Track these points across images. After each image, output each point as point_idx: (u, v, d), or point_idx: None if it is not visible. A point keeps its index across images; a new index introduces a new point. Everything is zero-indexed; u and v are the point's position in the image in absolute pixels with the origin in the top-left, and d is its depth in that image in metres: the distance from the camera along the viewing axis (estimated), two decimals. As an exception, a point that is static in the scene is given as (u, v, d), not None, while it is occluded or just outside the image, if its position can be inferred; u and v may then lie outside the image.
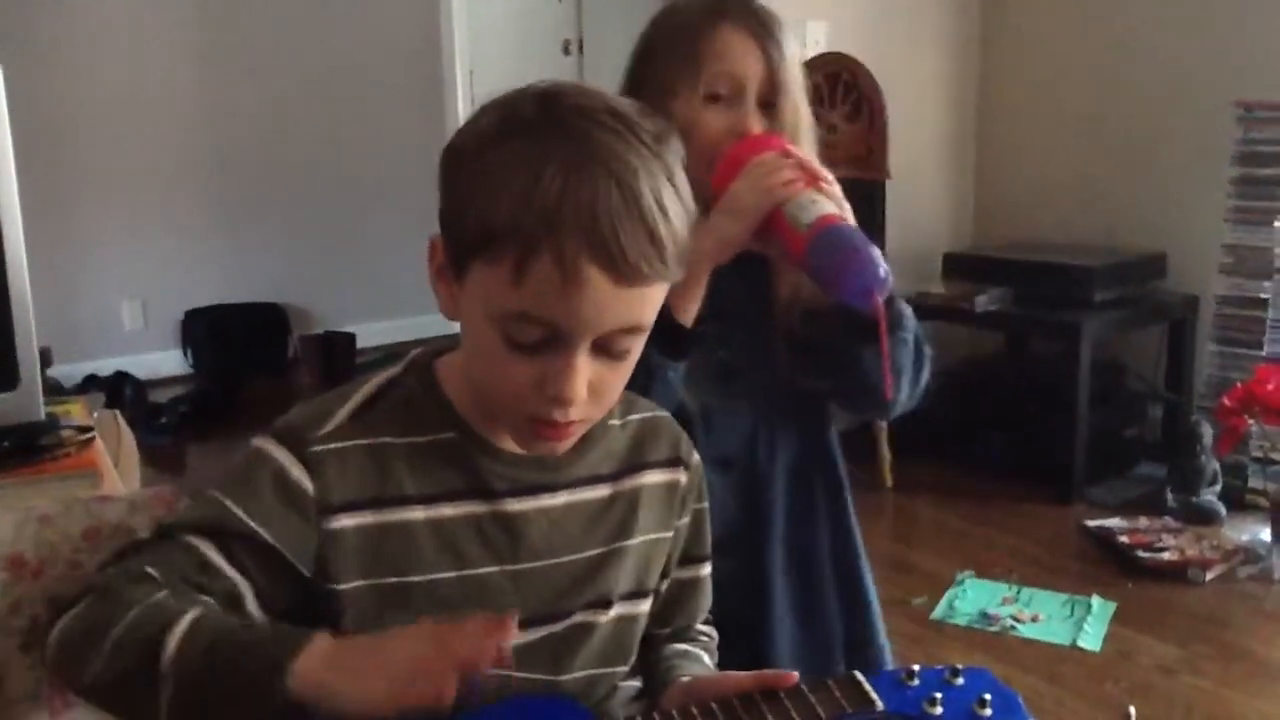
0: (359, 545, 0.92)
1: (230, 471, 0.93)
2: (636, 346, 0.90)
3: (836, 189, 1.21)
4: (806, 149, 1.29)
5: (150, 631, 0.82)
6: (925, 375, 1.34)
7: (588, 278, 0.82)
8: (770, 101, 1.27)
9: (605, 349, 0.88)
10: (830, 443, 1.43)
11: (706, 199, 1.20)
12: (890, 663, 1.45)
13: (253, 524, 0.89)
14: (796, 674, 0.92)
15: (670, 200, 0.86)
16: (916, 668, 0.93)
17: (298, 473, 0.91)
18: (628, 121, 0.86)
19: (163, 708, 0.81)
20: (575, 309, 0.83)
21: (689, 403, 1.27)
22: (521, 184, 0.82)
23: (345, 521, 0.92)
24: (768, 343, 1.31)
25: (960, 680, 0.92)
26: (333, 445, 0.92)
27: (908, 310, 1.30)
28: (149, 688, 0.81)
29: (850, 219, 1.18)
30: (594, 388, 0.88)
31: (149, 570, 0.87)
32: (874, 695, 0.90)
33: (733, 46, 1.27)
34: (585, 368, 0.87)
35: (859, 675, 0.92)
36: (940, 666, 0.93)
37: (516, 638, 0.95)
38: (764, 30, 1.28)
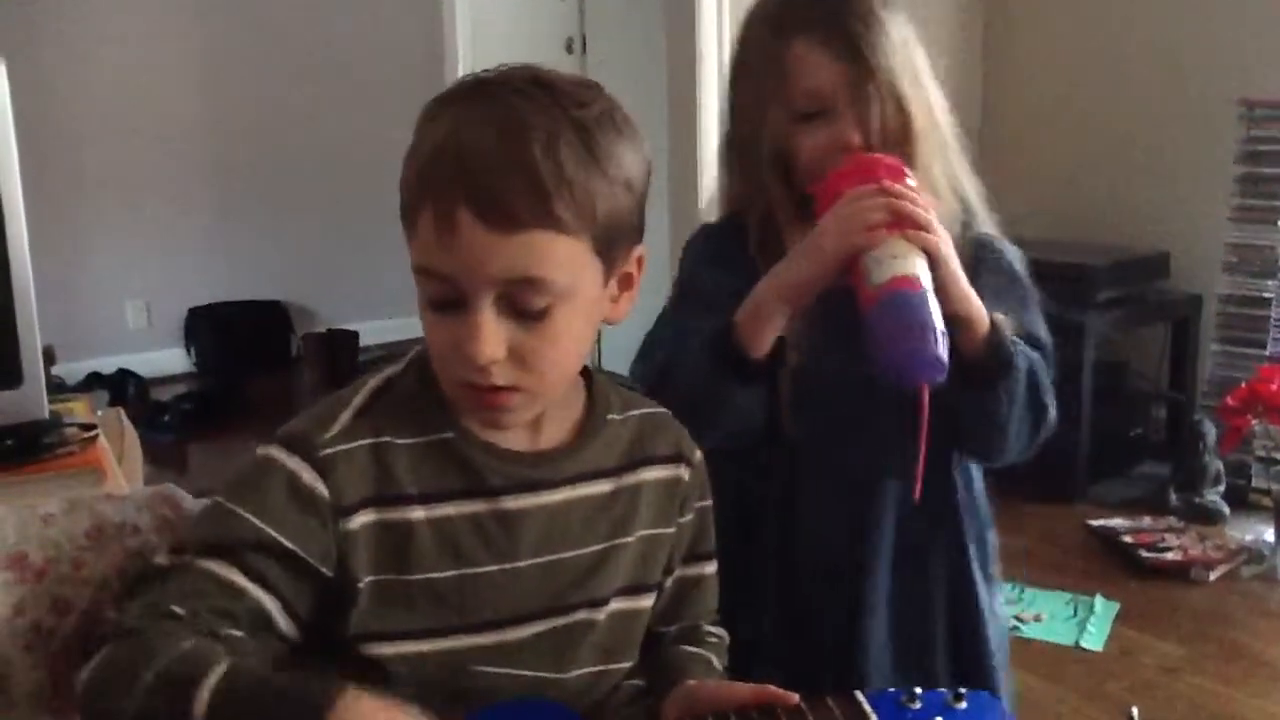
0: (367, 542, 0.92)
1: (239, 480, 0.92)
2: (557, 308, 0.88)
3: (933, 237, 1.09)
4: (929, 150, 1.19)
5: (180, 681, 0.81)
6: (1046, 427, 1.23)
7: (461, 224, 0.83)
8: (863, 106, 1.16)
9: (513, 306, 0.87)
10: (954, 465, 1.32)
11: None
12: (1007, 704, 1.33)
13: (271, 531, 0.89)
14: (797, 696, 0.91)
15: (569, 152, 0.85)
16: (919, 690, 0.91)
17: (310, 477, 0.90)
18: (552, 89, 0.87)
19: None
20: (455, 257, 0.85)
21: (789, 424, 1.20)
22: (417, 141, 0.88)
23: (359, 520, 0.92)
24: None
25: (963, 705, 0.89)
26: (340, 447, 0.92)
27: (1022, 358, 1.18)
28: None
29: (927, 282, 1.07)
30: (516, 353, 0.88)
31: (174, 609, 0.86)
32: (873, 716, 0.89)
33: (807, 62, 1.17)
34: (491, 325, 0.87)
35: (859, 695, 0.91)
36: (943, 690, 0.91)
37: (519, 632, 0.95)
38: (840, 34, 1.17)
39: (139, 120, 4.78)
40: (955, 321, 1.10)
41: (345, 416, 0.95)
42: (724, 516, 1.21)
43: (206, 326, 5.00)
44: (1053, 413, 1.24)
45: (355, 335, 4.98)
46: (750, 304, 1.15)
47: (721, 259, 1.28)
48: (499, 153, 0.83)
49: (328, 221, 5.20)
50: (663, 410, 1.08)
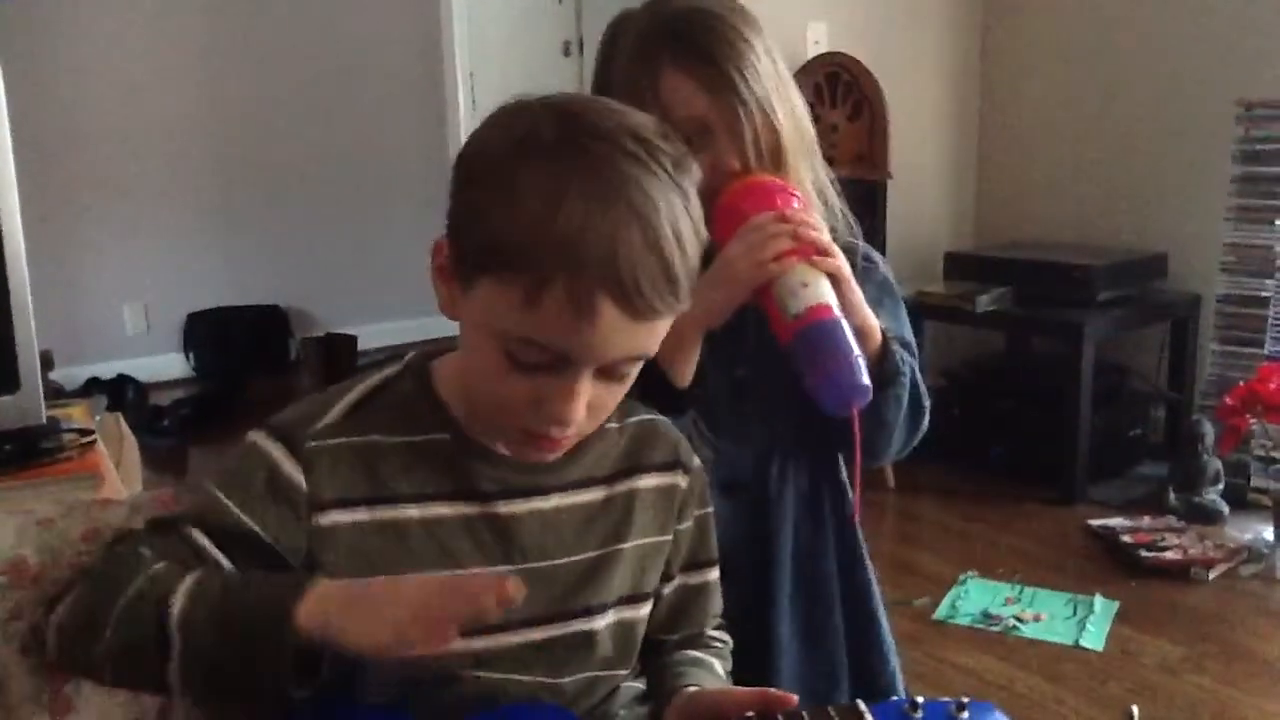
0: (351, 542, 0.92)
1: (226, 465, 0.94)
2: (637, 368, 0.91)
3: (834, 260, 1.13)
4: (799, 161, 1.22)
5: (154, 598, 0.83)
6: (923, 426, 1.28)
7: (601, 312, 0.82)
8: (738, 134, 1.18)
9: (607, 373, 0.88)
10: (841, 470, 1.38)
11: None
12: (903, 694, 1.41)
13: (246, 519, 0.90)
14: (796, 696, 0.92)
15: (687, 234, 0.85)
16: (921, 699, 0.91)
17: (290, 468, 0.92)
18: (649, 147, 0.85)
19: (174, 670, 0.82)
20: (585, 341, 0.83)
21: (699, 446, 1.21)
22: (540, 209, 0.81)
23: (337, 518, 0.92)
24: (785, 363, 1.20)
25: (966, 715, 0.89)
26: (326, 442, 0.93)
27: (905, 364, 1.22)
28: (158, 652, 0.82)
29: (836, 307, 1.11)
30: (591, 406, 0.89)
31: (143, 550, 0.88)
32: None
33: (679, 94, 1.17)
34: (587, 392, 0.87)
35: (860, 704, 0.91)
36: (946, 699, 0.90)
37: (511, 638, 0.95)
38: (710, 66, 1.17)
39: (137, 125, 4.79)
40: (855, 335, 1.13)
41: (336, 412, 0.95)
42: None
43: (205, 331, 5.00)
44: (927, 416, 1.28)
45: (354, 339, 4.98)
46: (670, 337, 1.15)
47: None
48: (642, 246, 0.82)
49: (326, 226, 5.20)
50: (660, 418, 1.08)
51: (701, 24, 1.19)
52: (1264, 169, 3.48)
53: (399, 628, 0.78)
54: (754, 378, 1.28)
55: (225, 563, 0.90)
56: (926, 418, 1.28)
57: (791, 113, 1.22)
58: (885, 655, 1.40)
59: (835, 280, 1.13)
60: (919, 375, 1.26)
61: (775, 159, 1.20)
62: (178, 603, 0.82)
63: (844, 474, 1.38)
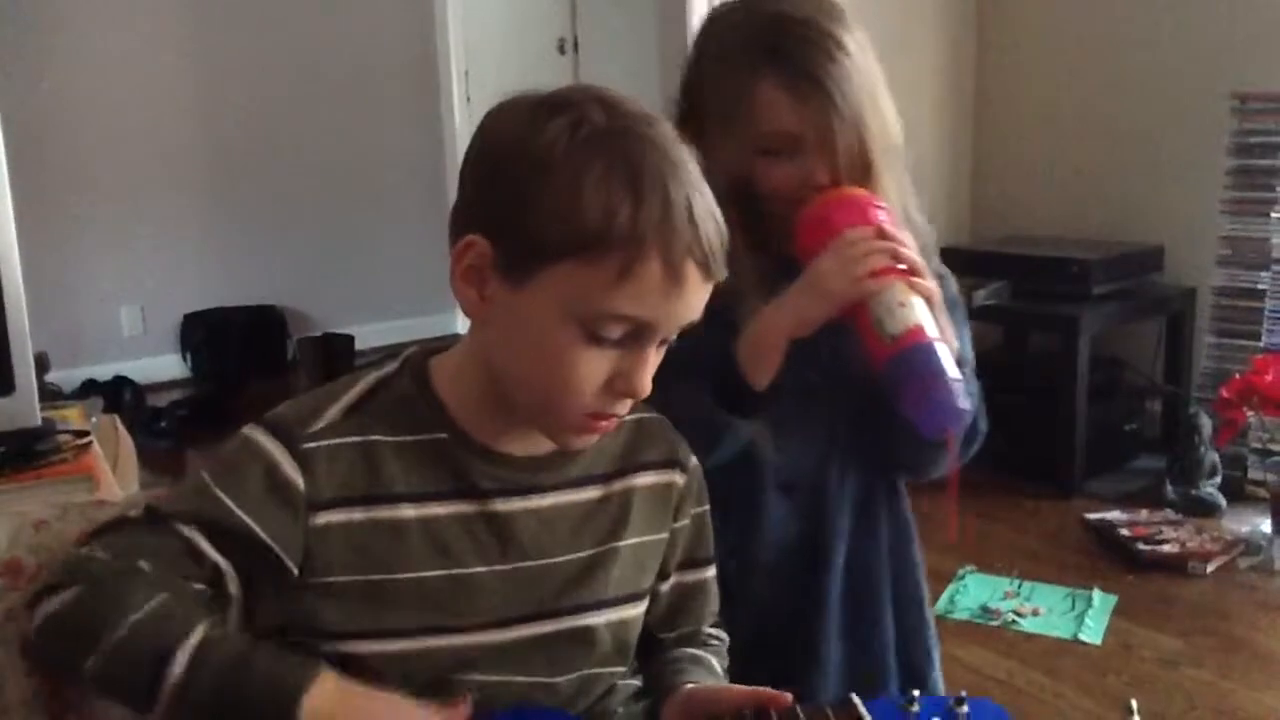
0: (348, 541, 0.92)
1: (221, 458, 0.93)
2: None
3: (930, 282, 1.12)
4: (886, 173, 1.20)
5: (156, 645, 0.83)
6: (973, 450, 1.29)
7: (689, 278, 0.87)
8: (831, 149, 1.16)
9: (664, 342, 0.92)
10: (899, 488, 1.38)
11: (780, 254, 1.16)
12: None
13: (245, 518, 0.90)
14: (790, 695, 0.92)
15: (714, 201, 0.91)
16: (917, 693, 0.91)
17: (289, 467, 0.91)
18: (669, 129, 0.91)
19: (160, 715, 0.83)
20: (673, 307, 0.88)
21: (765, 448, 1.22)
22: (625, 190, 0.85)
23: (334, 517, 0.92)
24: (854, 368, 1.18)
25: (964, 710, 0.89)
26: (324, 442, 0.93)
27: (972, 387, 1.21)
28: (149, 699, 0.83)
29: (933, 330, 1.09)
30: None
31: (141, 565, 0.87)
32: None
33: (774, 106, 1.15)
34: (654, 361, 0.91)
35: (855, 699, 0.91)
36: (944, 695, 0.91)
37: (507, 634, 0.96)
38: (806, 77, 1.15)
39: (133, 126, 4.78)
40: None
41: (334, 411, 0.95)
42: None
43: (202, 332, 4.99)
44: (982, 438, 1.30)
45: (351, 339, 4.97)
46: (752, 339, 1.15)
47: None
48: (706, 214, 0.89)
49: (323, 225, 5.20)
50: (656, 416, 1.08)
51: (800, 35, 1.16)
52: (1259, 162, 3.48)
53: None
54: (824, 382, 1.26)
55: (222, 563, 0.89)
56: (979, 442, 1.29)
57: (883, 123, 1.20)
58: (932, 662, 1.40)
59: (929, 303, 1.12)
60: (978, 401, 1.25)
61: (864, 172, 1.18)
62: (180, 660, 0.83)
63: (900, 479, 1.38)
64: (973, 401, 1.21)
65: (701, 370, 1.14)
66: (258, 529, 0.90)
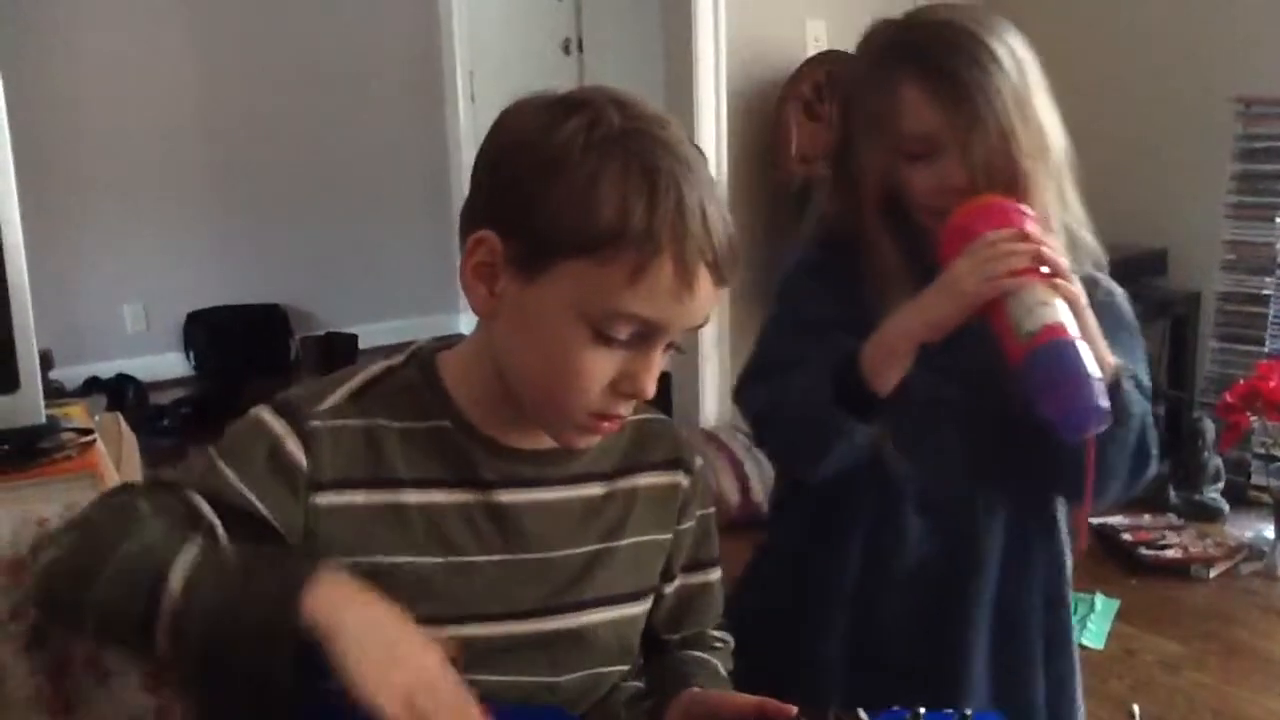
0: (349, 524, 0.93)
1: (229, 436, 0.94)
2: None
3: (1074, 286, 1.08)
4: (1042, 186, 1.17)
5: (155, 556, 0.82)
6: (1148, 473, 1.20)
7: (700, 280, 0.88)
8: (970, 153, 1.15)
9: (670, 345, 0.92)
10: (1053, 506, 1.31)
11: (932, 267, 1.12)
12: None
13: (247, 493, 0.90)
14: (795, 708, 0.92)
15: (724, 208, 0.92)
16: (923, 710, 0.91)
17: (292, 445, 0.92)
18: (682, 132, 0.92)
19: (161, 638, 0.81)
20: (683, 309, 0.89)
21: (894, 462, 1.19)
22: (640, 190, 0.85)
23: (335, 499, 0.92)
24: (1001, 384, 1.12)
25: None
26: (329, 422, 0.93)
27: (1137, 404, 1.16)
28: (147, 617, 0.80)
29: (1075, 330, 1.05)
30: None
31: (140, 507, 0.87)
32: None
33: (915, 106, 1.16)
34: (659, 364, 0.91)
35: (861, 713, 0.91)
36: (951, 710, 0.91)
37: (508, 628, 0.95)
38: (948, 81, 1.14)
39: (136, 123, 4.78)
40: None
41: (339, 395, 0.96)
42: (807, 527, 1.26)
43: (205, 330, 4.99)
44: (1155, 464, 1.21)
45: (354, 338, 4.98)
46: (880, 341, 1.13)
47: (827, 286, 1.26)
48: (718, 218, 0.89)
49: (326, 224, 5.20)
50: (662, 417, 1.08)
51: (950, 40, 1.17)
52: (1263, 166, 3.48)
53: (394, 692, 0.77)
54: (962, 400, 1.22)
55: (220, 529, 0.89)
56: (1153, 466, 1.20)
57: (1037, 134, 1.18)
58: (1076, 705, 1.36)
59: (1073, 308, 1.08)
60: (1149, 419, 1.19)
61: (1010, 183, 1.16)
62: (179, 573, 0.81)
63: (1056, 510, 1.31)
64: (1143, 423, 1.17)
65: (827, 372, 1.14)
66: (258, 503, 0.90)
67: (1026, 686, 1.30)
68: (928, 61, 1.16)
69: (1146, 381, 1.22)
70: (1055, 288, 1.07)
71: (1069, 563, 1.33)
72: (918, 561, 1.24)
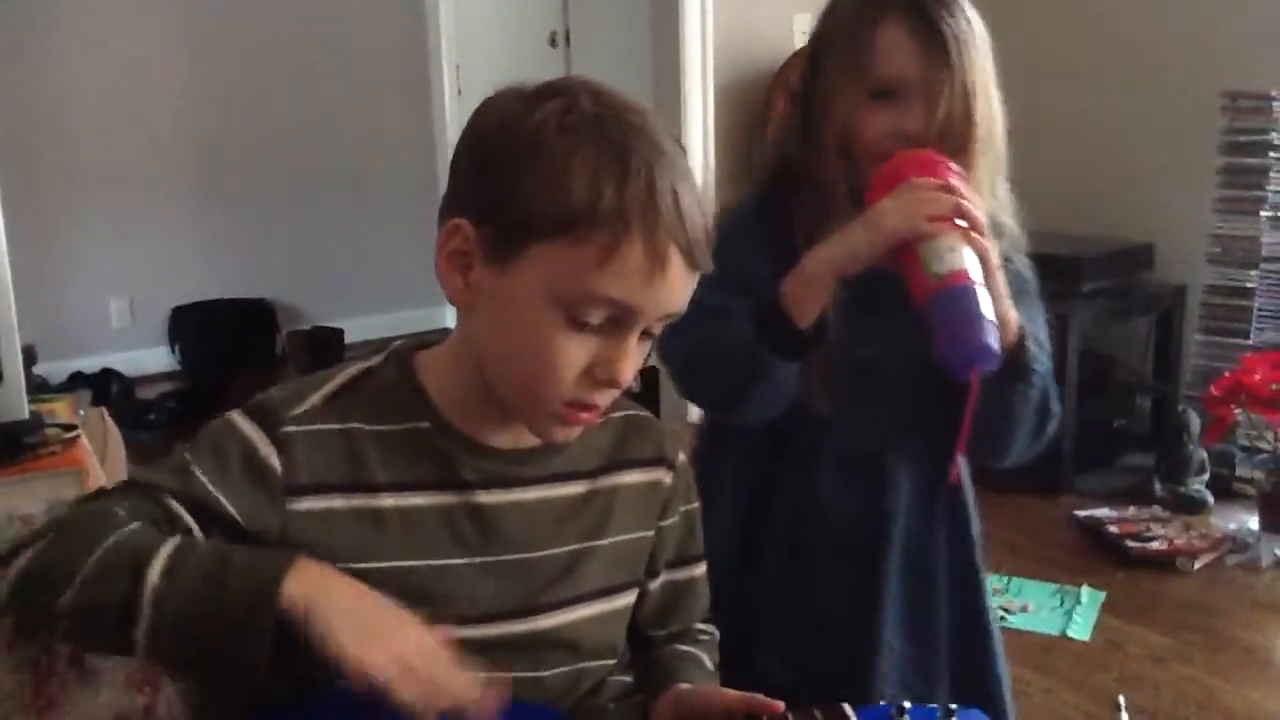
0: (327, 528, 0.92)
1: (201, 440, 0.93)
2: (659, 330, 0.94)
3: (986, 242, 1.14)
4: (982, 165, 1.23)
5: (131, 559, 0.81)
6: (1048, 431, 1.28)
7: (671, 263, 0.87)
8: (934, 101, 1.19)
9: (647, 333, 0.91)
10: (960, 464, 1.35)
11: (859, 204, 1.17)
12: (1009, 697, 1.40)
13: (221, 499, 0.89)
14: (783, 704, 0.92)
15: (701, 197, 0.91)
16: (908, 705, 0.91)
17: (266, 450, 0.91)
18: (659, 121, 0.92)
19: (140, 636, 0.80)
20: (655, 293, 0.88)
21: (819, 402, 1.23)
22: (610, 172, 0.85)
23: (313, 503, 0.92)
24: (916, 344, 1.16)
25: None
26: (304, 427, 0.93)
27: (1040, 363, 1.22)
28: (127, 613, 0.80)
29: (981, 282, 1.11)
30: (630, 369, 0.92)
31: (117, 509, 0.87)
32: None
33: (893, 44, 1.20)
34: (635, 352, 0.91)
35: (846, 707, 0.91)
36: (934, 706, 0.91)
37: (490, 629, 0.95)
38: (930, 25, 1.19)
39: (122, 118, 4.76)
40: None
41: (316, 398, 0.95)
42: (733, 495, 1.28)
43: (191, 325, 4.98)
44: (1057, 420, 1.28)
45: (340, 333, 4.97)
46: (798, 273, 1.17)
47: (760, 239, 1.29)
48: (692, 203, 0.89)
49: (312, 218, 5.18)
50: (645, 413, 1.08)
51: None
52: (1249, 160, 3.49)
53: (385, 668, 0.78)
54: (882, 358, 1.27)
55: (198, 532, 0.88)
56: (1053, 423, 1.28)
57: (990, 112, 1.23)
58: (991, 657, 1.39)
59: (982, 261, 1.13)
60: (1050, 380, 1.26)
61: (959, 146, 1.21)
62: (157, 568, 0.80)
63: (964, 470, 1.36)
64: (1045, 380, 1.23)
65: (749, 313, 1.17)
66: (232, 509, 0.89)
67: (933, 639, 1.35)
68: (915, 8, 1.20)
69: (1045, 342, 1.30)
70: (969, 239, 1.12)
71: (970, 500, 1.41)
72: (835, 515, 1.27)
